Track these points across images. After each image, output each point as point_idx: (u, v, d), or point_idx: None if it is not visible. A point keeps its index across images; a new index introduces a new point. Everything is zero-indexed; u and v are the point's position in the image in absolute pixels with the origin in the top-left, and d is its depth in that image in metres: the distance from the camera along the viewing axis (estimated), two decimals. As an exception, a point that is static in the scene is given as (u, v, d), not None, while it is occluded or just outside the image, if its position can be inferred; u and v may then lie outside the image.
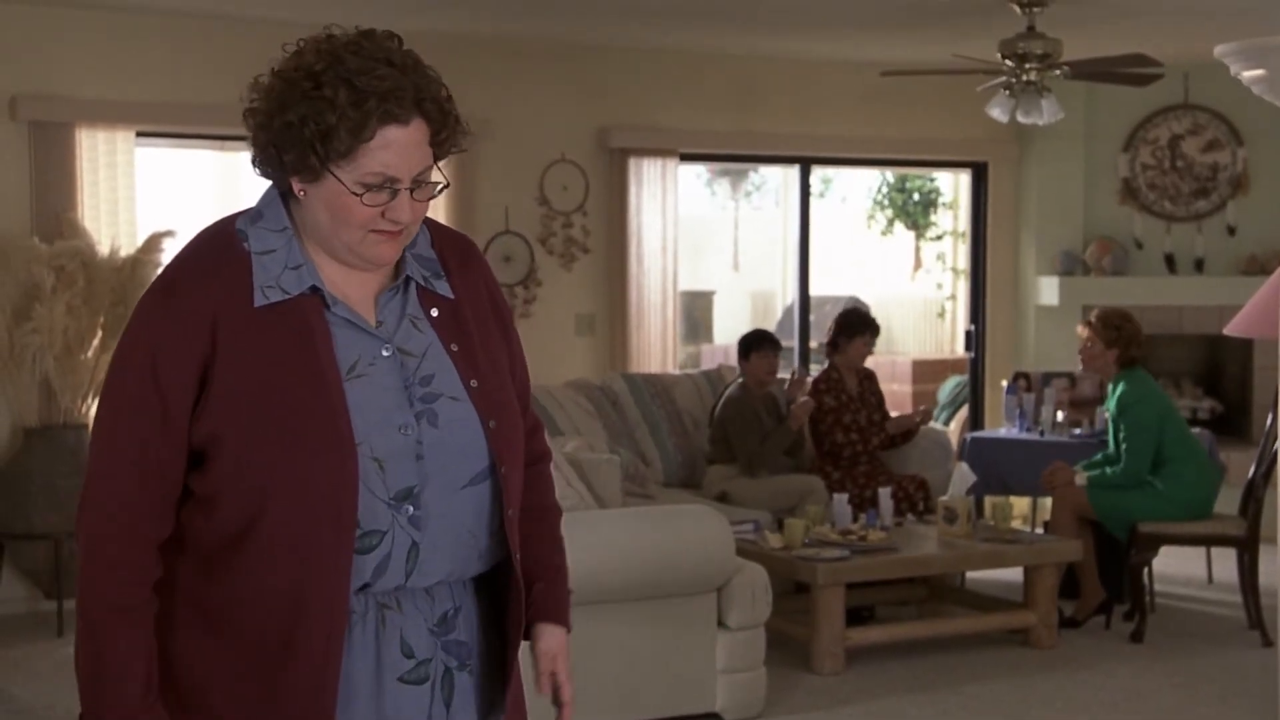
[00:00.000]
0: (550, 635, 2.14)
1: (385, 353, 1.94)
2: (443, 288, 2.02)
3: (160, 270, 1.98)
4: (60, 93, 6.54)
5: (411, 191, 1.91)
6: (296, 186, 1.91)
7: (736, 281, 14.40)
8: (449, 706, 2.00)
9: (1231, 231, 8.60)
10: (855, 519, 5.95)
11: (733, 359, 7.37)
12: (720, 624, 4.76)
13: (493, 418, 1.97)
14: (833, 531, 5.71)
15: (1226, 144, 8.59)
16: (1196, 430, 6.60)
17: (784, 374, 7.11)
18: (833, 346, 6.84)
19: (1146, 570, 6.15)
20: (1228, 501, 6.32)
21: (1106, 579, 6.18)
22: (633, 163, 7.72)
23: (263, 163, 1.93)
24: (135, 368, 1.90)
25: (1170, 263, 8.62)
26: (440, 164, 1.96)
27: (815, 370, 7.54)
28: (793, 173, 8.56)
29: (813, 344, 8.73)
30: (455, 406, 1.96)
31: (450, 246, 2.07)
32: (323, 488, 1.86)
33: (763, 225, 14.52)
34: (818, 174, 9.38)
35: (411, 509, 1.91)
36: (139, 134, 6.69)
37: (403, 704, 1.96)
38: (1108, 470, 6.13)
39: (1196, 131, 8.61)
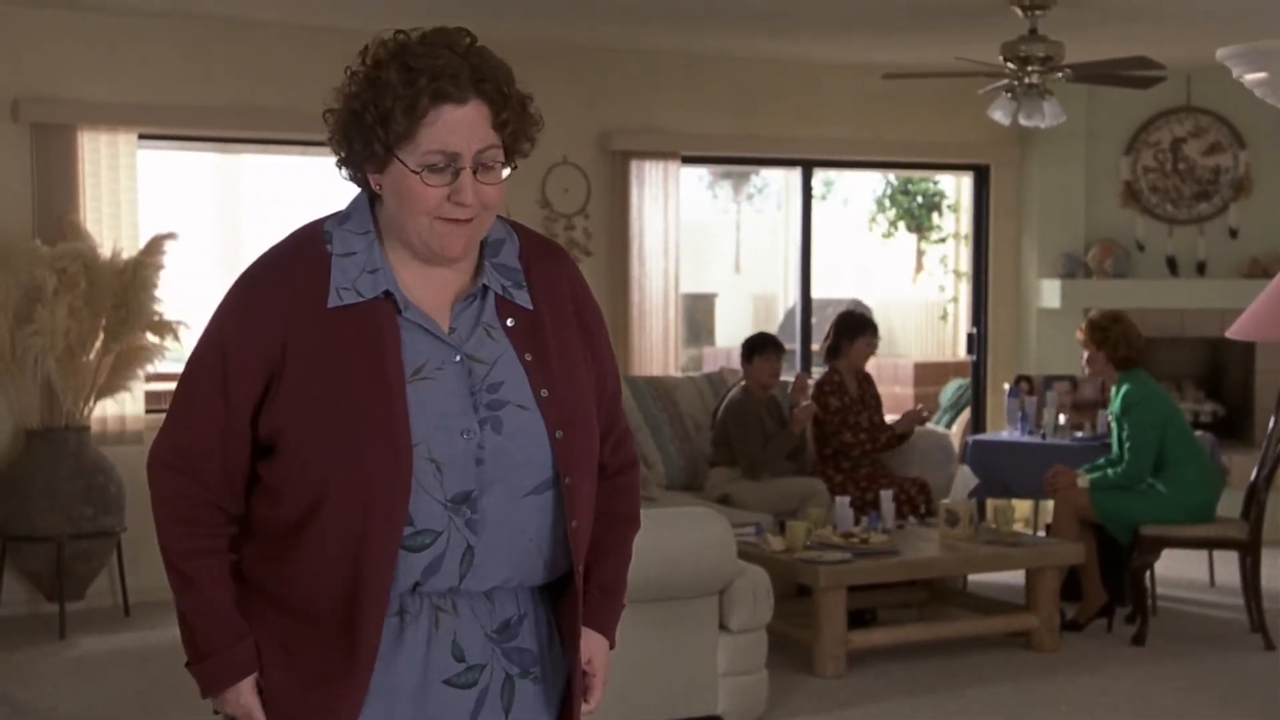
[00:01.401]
0: (592, 641, 2.14)
1: (455, 359, 1.97)
2: (522, 298, 2.03)
3: (250, 264, 2.06)
4: (62, 95, 6.55)
5: (476, 173, 1.93)
6: (373, 180, 1.96)
7: (738, 284, 14.39)
8: (508, 714, 2.01)
9: (1233, 234, 8.60)
10: (857, 522, 5.94)
11: (734, 362, 7.37)
12: (722, 627, 4.76)
13: (561, 428, 1.98)
14: (834, 534, 5.71)
15: (1228, 147, 8.59)
16: (1199, 433, 6.60)
17: (786, 377, 7.11)
18: (833, 351, 6.84)
19: (1148, 573, 6.15)
20: (1230, 504, 6.31)
21: (1108, 582, 6.18)
22: (634, 165, 7.73)
23: (343, 161, 1.99)
24: (209, 357, 1.99)
25: (1172, 265, 8.62)
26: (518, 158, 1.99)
27: (817, 373, 7.54)
28: (794, 175, 8.56)
29: (814, 347, 8.73)
30: (522, 415, 1.97)
31: (537, 255, 2.08)
32: (376, 485, 1.90)
33: (764, 228, 14.52)
34: (819, 176, 9.39)
35: (469, 512, 1.94)
36: (141, 136, 6.70)
37: (445, 707, 1.97)
38: (1109, 471, 6.13)
39: (1198, 134, 8.61)
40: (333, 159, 2.02)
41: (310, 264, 1.97)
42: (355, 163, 1.97)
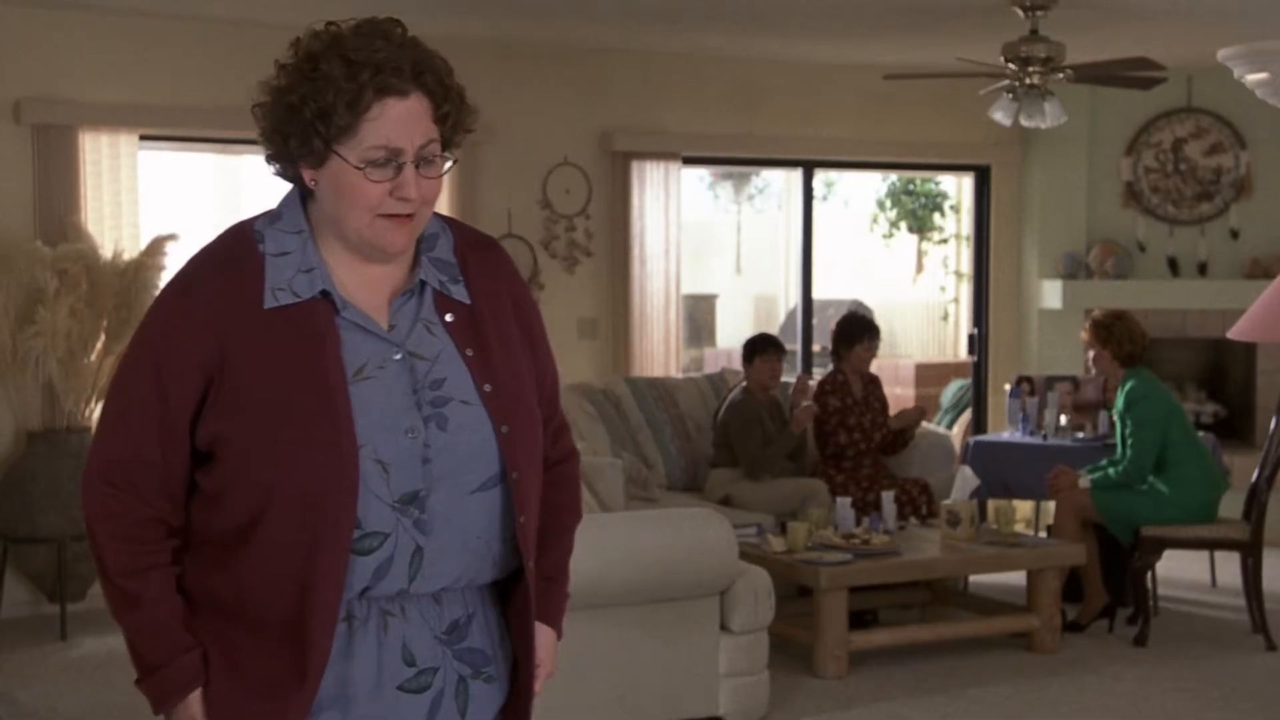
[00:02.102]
0: (541, 633, 2.11)
1: (396, 356, 1.94)
2: (459, 293, 2.00)
3: (179, 268, 2.01)
4: (64, 96, 6.55)
5: (418, 167, 1.90)
6: (308, 177, 1.92)
7: (739, 285, 14.39)
8: (464, 716, 1.99)
9: (1234, 235, 8.59)
10: (858, 523, 5.94)
11: (736, 363, 7.37)
12: (723, 628, 4.76)
13: (506, 423, 1.96)
14: (836, 535, 5.71)
15: (1229, 147, 8.58)
16: (1200, 434, 6.60)
17: (789, 378, 7.11)
18: (836, 355, 6.86)
19: (1150, 574, 6.15)
20: (1231, 505, 6.31)
21: (1110, 582, 6.17)
22: (635, 166, 7.73)
23: (274, 156, 1.94)
24: (142, 364, 1.94)
25: (1173, 266, 8.62)
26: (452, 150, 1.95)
27: (819, 374, 7.54)
28: (795, 176, 8.56)
29: (815, 347, 8.73)
30: (466, 411, 1.94)
31: (473, 250, 2.06)
32: (322, 488, 1.87)
33: (765, 228, 14.51)
34: (820, 177, 9.39)
35: (417, 513, 1.91)
36: (142, 137, 6.70)
37: (400, 713, 1.94)
38: (1110, 471, 6.12)
39: (1199, 135, 8.61)
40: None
41: (243, 265, 1.93)
42: (290, 158, 1.92)
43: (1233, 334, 3.16)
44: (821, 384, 6.86)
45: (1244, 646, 5.94)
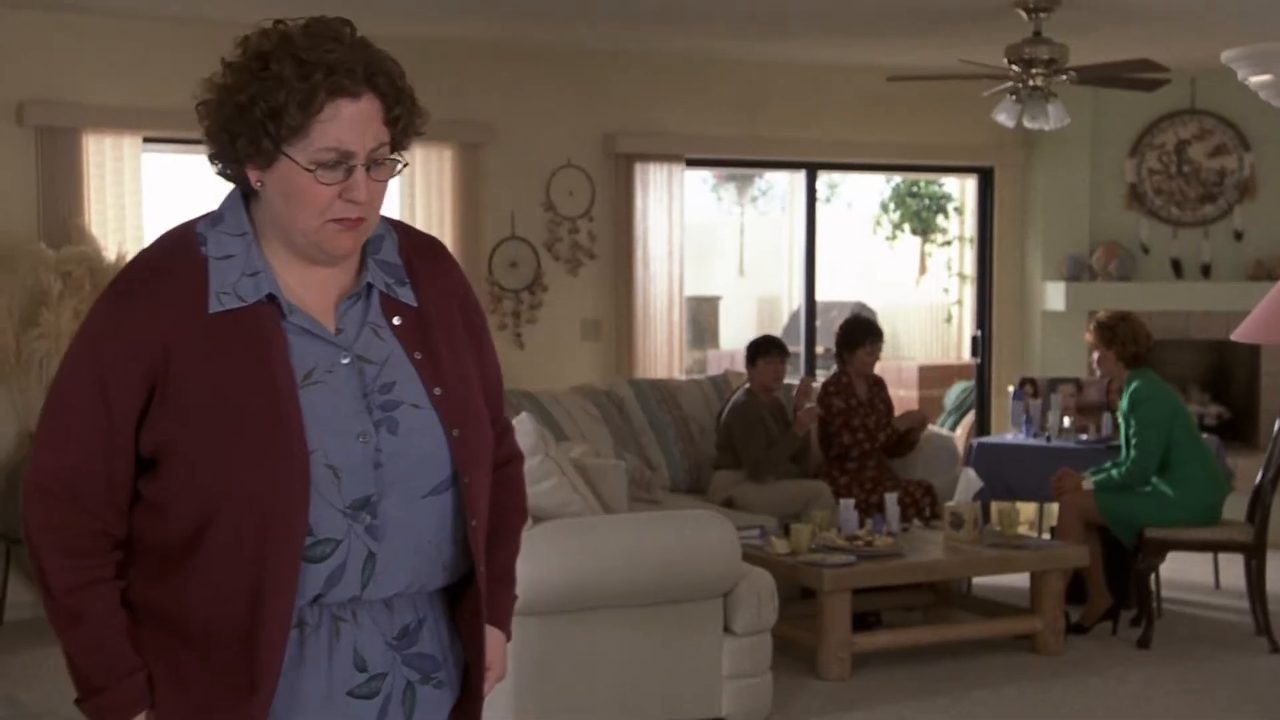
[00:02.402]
0: (490, 636, 2.09)
1: (344, 360, 1.91)
2: (406, 295, 1.97)
3: (119, 272, 1.96)
4: (67, 98, 6.56)
5: (368, 170, 1.87)
6: (253, 177, 1.88)
7: (742, 287, 14.39)
8: None
9: (1238, 237, 8.59)
10: (862, 524, 5.94)
11: (739, 364, 7.37)
12: (726, 629, 4.76)
13: (457, 426, 1.93)
14: (839, 537, 5.70)
15: (1233, 149, 8.58)
16: (1204, 436, 6.59)
17: (792, 380, 7.11)
18: (840, 358, 6.87)
19: (1153, 576, 6.14)
20: (1235, 507, 6.30)
21: (1113, 585, 6.17)
22: (639, 168, 7.73)
23: (218, 156, 1.90)
24: (84, 372, 1.89)
25: (1177, 268, 8.61)
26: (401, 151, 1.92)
27: (822, 375, 7.54)
28: (799, 178, 8.56)
29: (819, 349, 8.73)
30: (417, 415, 1.92)
31: (418, 251, 2.03)
32: (273, 495, 1.83)
33: (769, 230, 14.51)
34: (824, 179, 9.39)
35: (369, 518, 1.88)
36: (146, 140, 6.70)
37: (351, 718, 1.92)
38: (1114, 472, 6.12)
39: (1203, 136, 8.60)
40: None
41: (186, 268, 1.89)
42: (236, 158, 1.88)
43: (1236, 336, 3.16)
44: (826, 385, 6.87)
45: (1248, 649, 5.94)
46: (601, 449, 6.25)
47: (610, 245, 7.75)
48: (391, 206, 7.31)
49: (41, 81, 6.53)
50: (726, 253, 14.76)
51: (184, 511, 1.87)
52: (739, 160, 8.75)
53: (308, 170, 1.84)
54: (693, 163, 8.04)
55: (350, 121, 1.84)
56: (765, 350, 6.77)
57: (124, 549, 1.92)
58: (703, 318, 13.21)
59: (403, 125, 1.91)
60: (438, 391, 1.94)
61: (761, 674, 4.84)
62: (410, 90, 1.91)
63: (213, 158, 1.92)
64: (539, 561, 4.37)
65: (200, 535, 1.86)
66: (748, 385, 6.80)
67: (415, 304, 1.98)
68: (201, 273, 1.88)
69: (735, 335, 12.81)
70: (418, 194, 7.31)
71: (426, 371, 1.94)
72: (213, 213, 1.95)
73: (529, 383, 7.18)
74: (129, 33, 6.67)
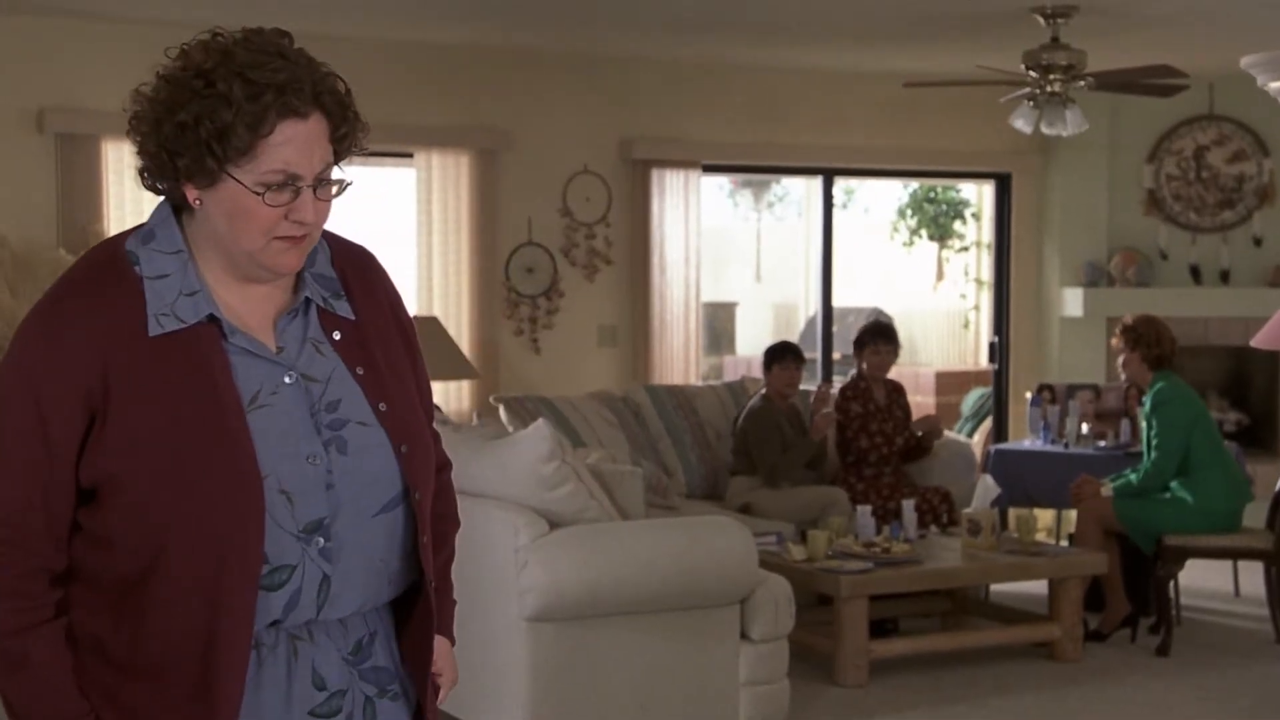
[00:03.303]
0: (438, 645, 2.05)
1: (288, 380, 1.85)
2: (344, 309, 1.92)
3: (44, 294, 1.87)
4: (86, 105, 6.59)
5: (315, 190, 1.81)
6: (191, 196, 1.81)
7: (759, 293, 14.39)
8: None
9: (1258, 243, 8.56)
10: (879, 531, 5.93)
11: (755, 370, 7.37)
12: (743, 636, 4.75)
13: (404, 442, 1.89)
14: (856, 543, 5.69)
15: (1252, 155, 8.55)
16: (1225, 443, 6.56)
17: (809, 386, 7.10)
18: (857, 363, 6.88)
19: (1172, 583, 6.12)
20: (1255, 514, 6.28)
21: (1132, 592, 6.15)
22: (655, 174, 7.73)
23: (153, 173, 1.83)
24: (17, 402, 1.80)
25: (1195, 274, 8.59)
26: (342, 164, 1.87)
27: (839, 381, 7.53)
28: (815, 184, 8.56)
29: (836, 355, 8.72)
30: (365, 432, 1.87)
31: (350, 262, 1.97)
32: (227, 524, 1.77)
33: (785, 236, 14.51)
34: (841, 185, 9.39)
35: (322, 541, 1.84)
36: (164, 146, 6.72)
37: None
38: (1133, 477, 6.10)
39: (1222, 142, 8.58)
40: (352, 167, 1.90)
41: (119, 289, 1.81)
42: (173, 176, 1.80)
43: (1256, 342, 3.15)
44: (844, 390, 6.87)
45: (1267, 656, 5.91)
46: (618, 455, 6.25)
47: (627, 251, 7.76)
48: (408, 213, 7.38)
49: (61, 89, 6.56)
50: (743, 259, 14.76)
51: (132, 544, 1.79)
52: (756, 166, 8.75)
53: (255, 193, 1.78)
54: (709, 169, 8.04)
55: (298, 143, 1.78)
56: (781, 356, 6.76)
57: (63, 584, 1.84)
58: (719, 323, 13.21)
59: (348, 143, 1.86)
60: (382, 407, 1.89)
61: (778, 681, 4.83)
62: (355, 108, 1.86)
63: (144, 172, 1.85)
64: (555, 568, 4.37)
65: (151, 568, 1.79)
66: (763, 391, 6.80)
67: (353, 317, 1.92)
68: (137, 294, 1.81)
69: (752, 341, 12.81)
70: (434, 200, 7.33)
71: (370, 387, 1.89)
72: (141, 229, 1.88)
73: (545, 389, 7.19)
74: (148, 40, 6.65)
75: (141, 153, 1.84)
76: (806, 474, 6.70)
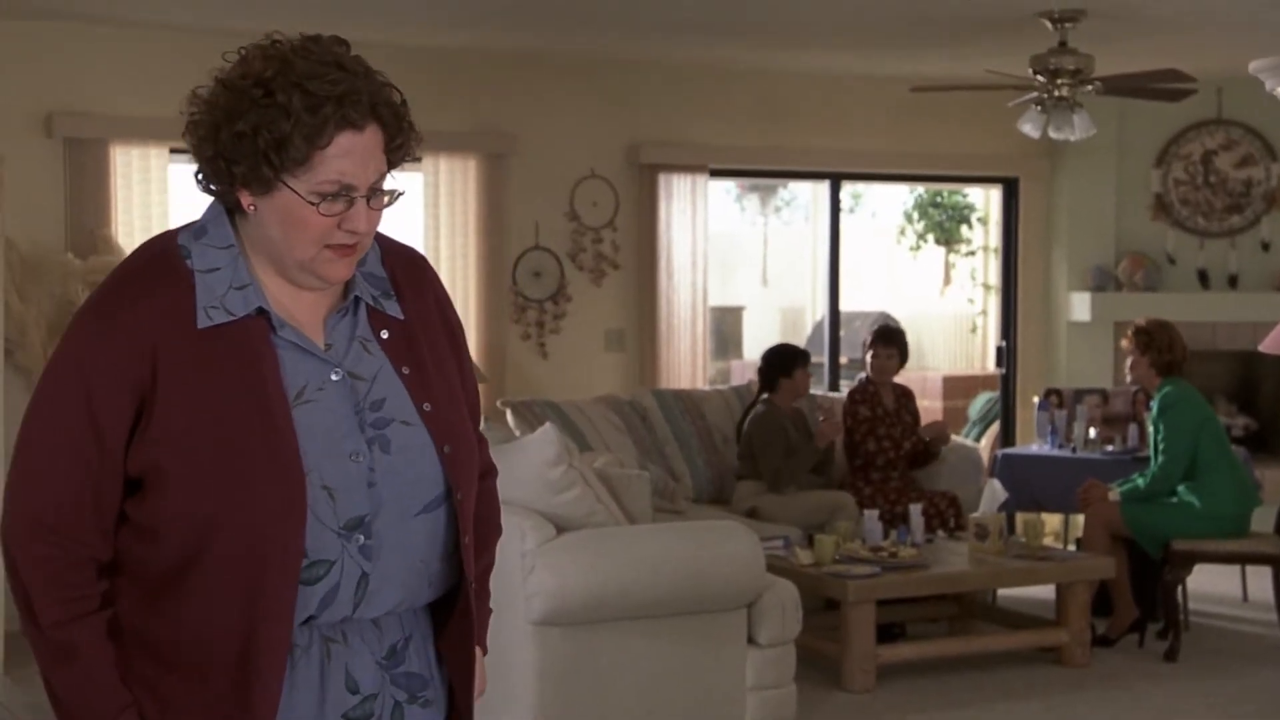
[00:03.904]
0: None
1: (334, 377, 1.86)
2: (393, 308, 1.94)
3: (96, 286, 1.89)
4: (95, 109, 6.60)
5: (368, 201, 1.83)
6: (245, 201, 1.84)
7: (766, 297, 14.38)
8: None
9: (1265, 247, 8.54)
10: (886, 535, 5.92)
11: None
12: (750, 640, 4.75)
13: (448, 443, 1.90)
14: (863, 548, 5.69)
15: (1260, 159, 8.53)
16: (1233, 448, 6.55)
17: (815, 390, 7.10)
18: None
19: (1180, 588, 6.10)
20: (1263, 519, 6.26)
21: (1140, 597, 6.14)
22: (662, 178, 7.73)
23: (209, 177, 1.85)
24: (69, 392, 1.82)
25: (1203, 279, 8.57)
26: (395, 172, 1.89)
27: (846, 386, 7.52)
28: (823, 188, 8.56)
29: (843, 359, 8.71)
30: (408, 432, 1.88)
31: (401, 263, 1.99)
32: (269, 518, 1.79)
33: (792, 240, 14.50)
34: (848, 189, 9.38)
35: (362, 538, 1.84)
36: (172, 150, 6.74)
37: None
38: (1140, 481, 6.09)
39: (1230, 147, 8.56)
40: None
41: (170, 282, 1.83)
42: (229, 181, 1.83)
43: (1264, 347, 3.15)
44: (851, 394, 6.87)
45: (1275, 662, 5.89)
46: (625, 459, 6.25)
47: (634, 255, 7.76)
48: (416, 217, 7.39)
49: (69, 93, 6.58)
50: (750, 263, 14.75)
51: (176, 535, 1.81)
52: (763, 170, 8.74)
53: (309, 202, 1.80)
54: (716, 173, 8.04)
55: (354, 154, 1.80)
56: (805, 361, 6.81)
57: (109, 575, 1.86)
58: (726, 328, 13.20)
59: (402, 154, 1.88)
60: (427, 408, 1.90)
61: (785, 685, 4.83)
62: (410, 119, 1.88)
63: (199, 175, 1.87)
64: (562, 572, 4.37)
65: (194, 559, 1.81)
66: (766, 396, 6.79)
67: (401, 317, 1.94)
68: (187, 286, 1.83)
69: (759, 345, 12.78)
70: (442, 204, 7.34)
71: (415, 387, 1.91)
72: (194, 224, 1.90)
73: (553, 393, 7.19)
74: (156, 44, 6.71)
75: (198, 156, 1.86)
76: (811, 478, 6.70)
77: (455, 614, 1.96)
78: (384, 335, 1.92)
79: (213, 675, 1.82)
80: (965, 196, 12.53)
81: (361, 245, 1.87)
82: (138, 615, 1.85)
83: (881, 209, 13.95)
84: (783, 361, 6.78)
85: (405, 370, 1.91)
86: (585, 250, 7.66)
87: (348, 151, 1.80)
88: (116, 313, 1.83)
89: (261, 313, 1.85)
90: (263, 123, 1.78)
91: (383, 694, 1.91)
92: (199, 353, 1.81)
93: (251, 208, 1.84)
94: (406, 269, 1.99)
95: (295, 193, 1.80)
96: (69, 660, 1.82)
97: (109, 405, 1.81)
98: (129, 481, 1.84)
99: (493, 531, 2.10)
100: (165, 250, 1.88)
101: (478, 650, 2.04)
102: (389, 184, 1.86)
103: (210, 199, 1.91)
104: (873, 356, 6.78)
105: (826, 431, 6.66)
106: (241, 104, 1.80)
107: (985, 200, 9.87)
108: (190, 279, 1.84)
